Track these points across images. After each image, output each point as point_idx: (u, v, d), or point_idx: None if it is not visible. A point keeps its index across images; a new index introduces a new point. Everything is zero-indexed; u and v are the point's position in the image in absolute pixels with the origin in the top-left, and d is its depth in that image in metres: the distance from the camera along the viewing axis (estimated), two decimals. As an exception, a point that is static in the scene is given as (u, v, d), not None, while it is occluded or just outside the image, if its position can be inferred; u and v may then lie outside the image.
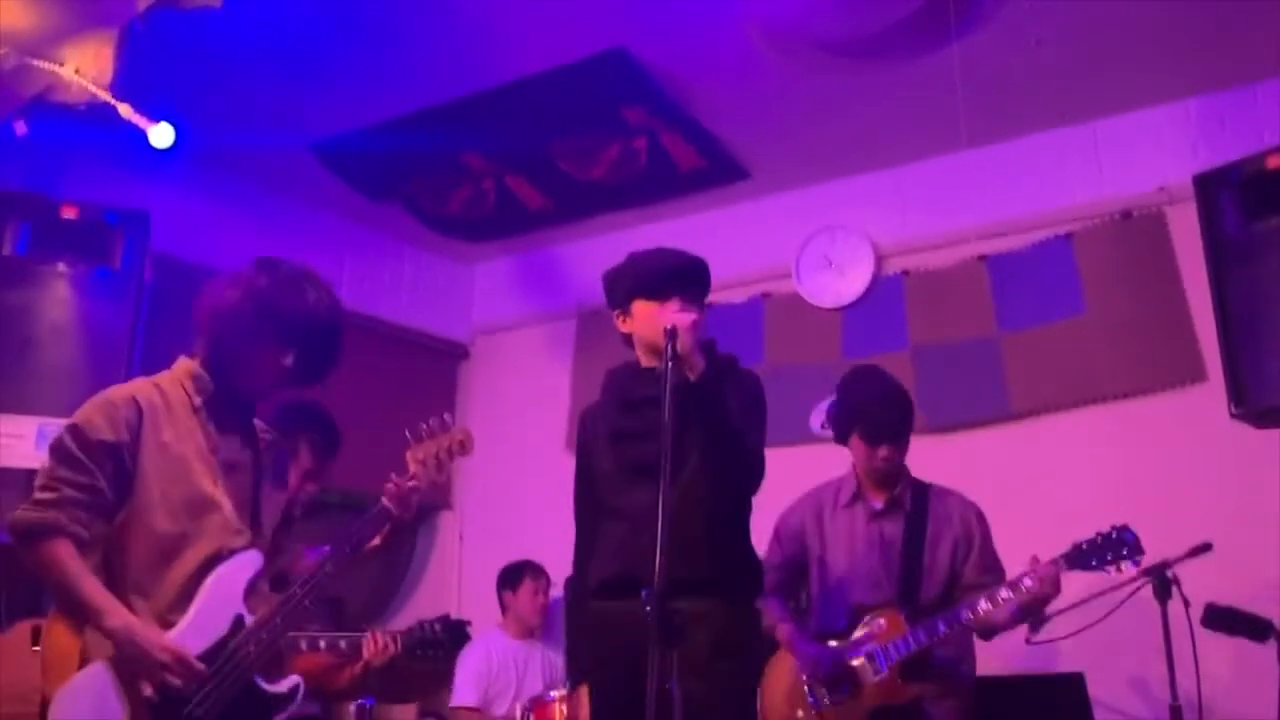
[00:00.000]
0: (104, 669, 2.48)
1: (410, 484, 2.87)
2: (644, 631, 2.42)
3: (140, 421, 2.62)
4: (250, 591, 2.68)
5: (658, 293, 3.06)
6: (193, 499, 2.64)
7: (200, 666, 2.50)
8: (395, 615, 6.28)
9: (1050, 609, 3.76)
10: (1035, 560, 3.59)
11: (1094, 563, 3.55)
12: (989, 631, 3.76)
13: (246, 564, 2.69)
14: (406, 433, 2.93)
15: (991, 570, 3.80)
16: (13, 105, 4.07)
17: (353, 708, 4.00)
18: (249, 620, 2.64)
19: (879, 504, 3.90)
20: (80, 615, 2.52)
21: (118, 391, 2.68)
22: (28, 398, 4.21)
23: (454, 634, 3.86)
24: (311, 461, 3.83)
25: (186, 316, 2.86)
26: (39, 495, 2.54)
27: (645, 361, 3.16)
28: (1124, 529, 3.56)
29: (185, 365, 2.79)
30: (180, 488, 2.63)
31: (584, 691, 3.19)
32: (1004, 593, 3.59)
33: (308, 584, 2.74)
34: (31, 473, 4.00)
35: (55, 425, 4.15)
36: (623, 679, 2.71)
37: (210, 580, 2.61)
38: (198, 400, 2.74)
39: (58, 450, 2.59)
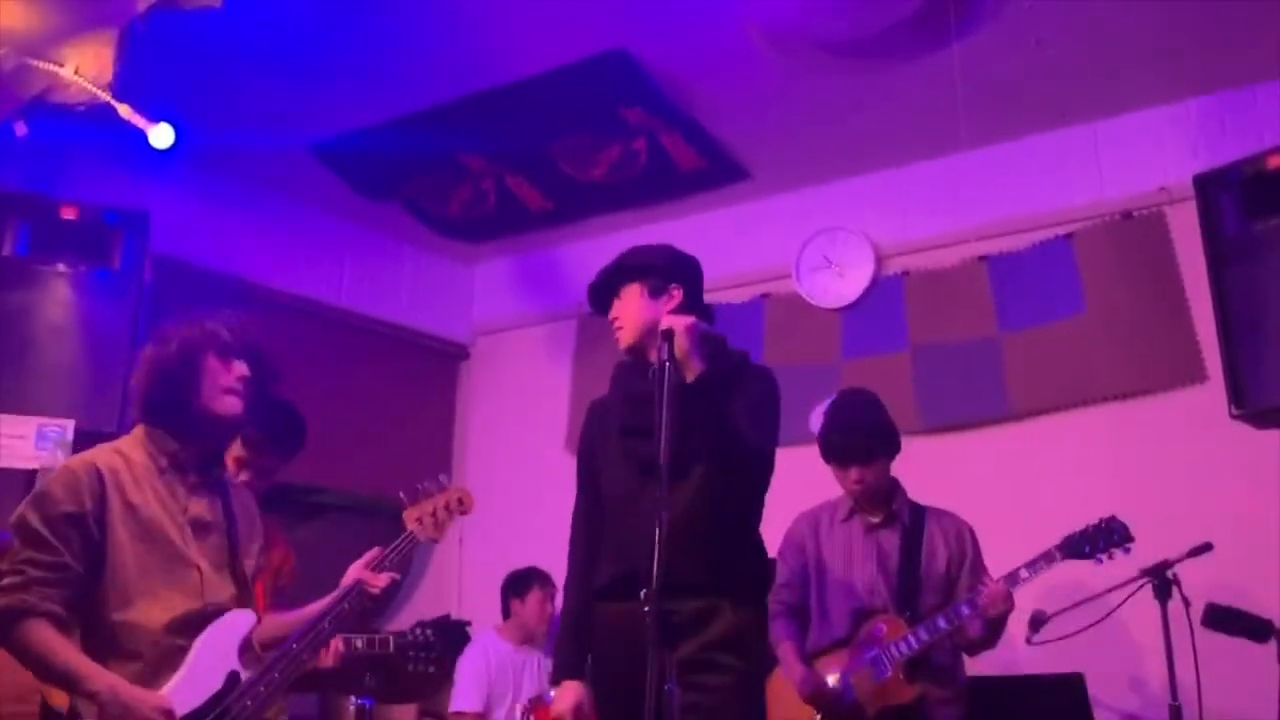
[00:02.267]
0: None
1: (384, 579, 2.86)
2: (644, 631, 2.41)
3: (104, 489, 2.58)
4: (245, 649, 2.65)
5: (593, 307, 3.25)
6: (168, 559, 2.62)
7: None
8: (395, 615, 6.28)
9: (1050, 609, 3.77)
10: (988, 578, 3.71)
11: (1087, 550, 3.65)
12: (970, 646, 3.83)
13: (239, 623, 2.67)
14: (401, 495, 2.98)
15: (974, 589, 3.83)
16: (13, 106, 4.07)
17: (352, 709, 4.00)
18: (244, 676, 2.61)
19: (876, 518, 3.95)
20: (64, 687, 2.50)
21: (77, 461, 2.64)
22: (27, 398, 4.21)
23: (452, 636, 3.86)
24: (243, 450, 3.76)
25: (187, 317, 2.84)
26: (6, 581, 2.49)
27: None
28: (1112, 518, 3.69)
29: (143, 431, 2.76)
30: (155, 549, 2.61)
31: (568, 686, 3.15)
32: (965, 609, 3.68)
33: (304, 639, 2.71)
34: (31, 474, 4.04)
35: (55, 425, 4.19)
36: (629, 680, 2.70)
37: (203, 637, 2.59)
38: (162, 461, 2.71)
39: (21, 530, 2.53)
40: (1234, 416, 3.90)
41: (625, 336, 3.13)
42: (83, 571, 2.53)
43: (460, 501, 3.03)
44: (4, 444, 4.12)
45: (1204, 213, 4.07)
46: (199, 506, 2.73)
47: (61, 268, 4.42)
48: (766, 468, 3.04)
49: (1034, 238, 5.23)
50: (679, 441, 2.64)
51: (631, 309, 3.11)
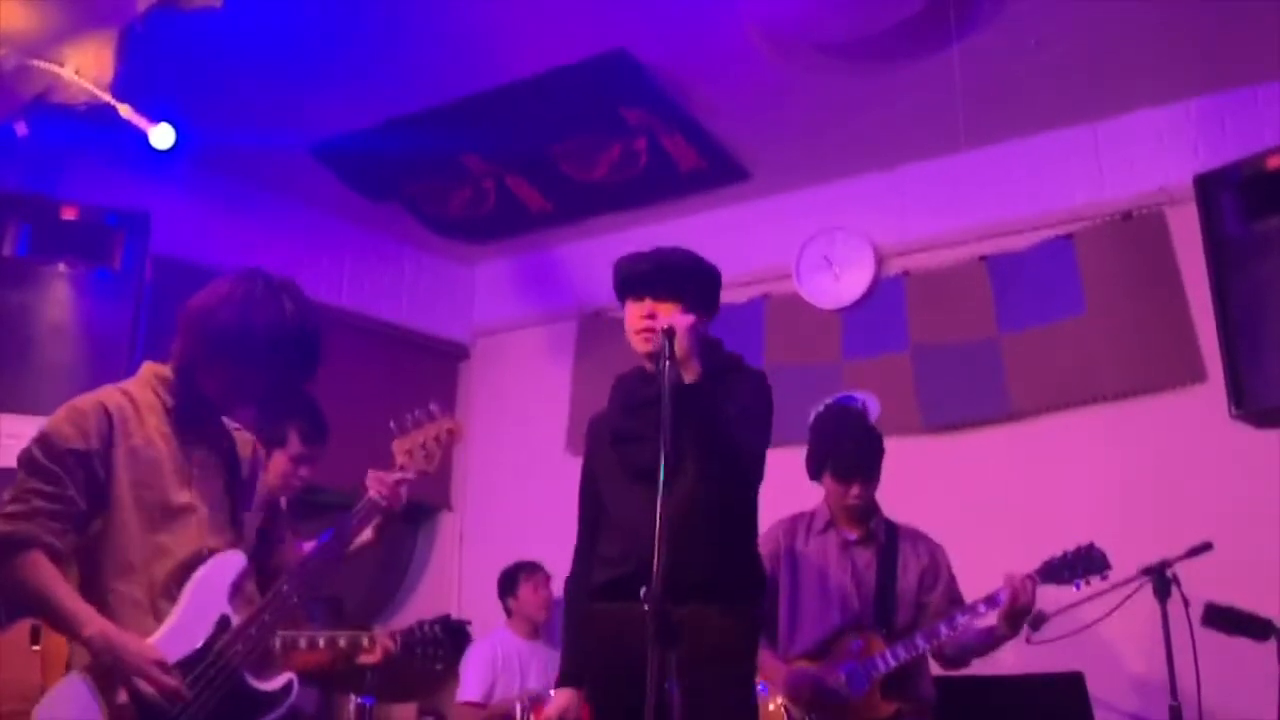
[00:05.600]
0: (80, 679, 2.45)
1: (397, 475, 2.83)
2: (644, 632, 2.41)
3: (110, 429, 2.57)
4: (235, 591, 2.64)
5: (629, 292, 3.10)
6: (167, 503, 2.61)
7: (177, 676, 2.46)
8: (395, 615, 6.29)
9: (1050, 609, 3.78)
10: (1010, 577, 3.68)
11: (1066, 576, 3.67)
12: (959, 657, 3.85)
13: (229, 564, 2.65)
14: (391, 423, 2.88)
15: (957, 603, 3.87)
16: (13, 106, 4.08)
17: (352, 708, 4.00)
18: (235, 620, 2.60)
19: (853, 535, 3.97)
20: (56, 626, 2.50)
21: (85, 400, 2.63)
22: (28, 398, 4.21)
23: (454, 635, 3.85)
24: (301, 447, 3.82)
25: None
26: (9, 508, 2.49)
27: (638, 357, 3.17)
28: (1090, 546, 3.68)
29: (153, 369, 2.75)
30: (154, 492, 2.60)
31: (561, 693, 3.20)
32: (981, 606, 3.68)
33: (295, 580, 2.70)
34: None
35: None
36: (625, 681, 2.69)
37: (192, 582, 2.58)
38: (169, 402, 2.70)
39: (27, 461, 2.54)
40: (1234, 416, 3.90)
41: (658, 342, 3.01)
42: (85, 508, 2.53)
43: (450, 432, 2.89)
44: (4, 444, 4.12)
45: (1204, 213, 4.07)
46: (201, 449, 2.73)
47: (62, 268, 4.43)
48: (757, 470, 3.02)
49: (1034, 238, 5.23)
50: (675, 443, 2.62)
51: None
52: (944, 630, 3.69)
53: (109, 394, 2.66)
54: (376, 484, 2.82)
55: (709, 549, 2.91)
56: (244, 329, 2.68)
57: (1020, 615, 3.65)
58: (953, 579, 3.95)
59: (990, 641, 3.78)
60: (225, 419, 2.85)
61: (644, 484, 2.81)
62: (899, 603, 3.86)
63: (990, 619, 3.71)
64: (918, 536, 4.02)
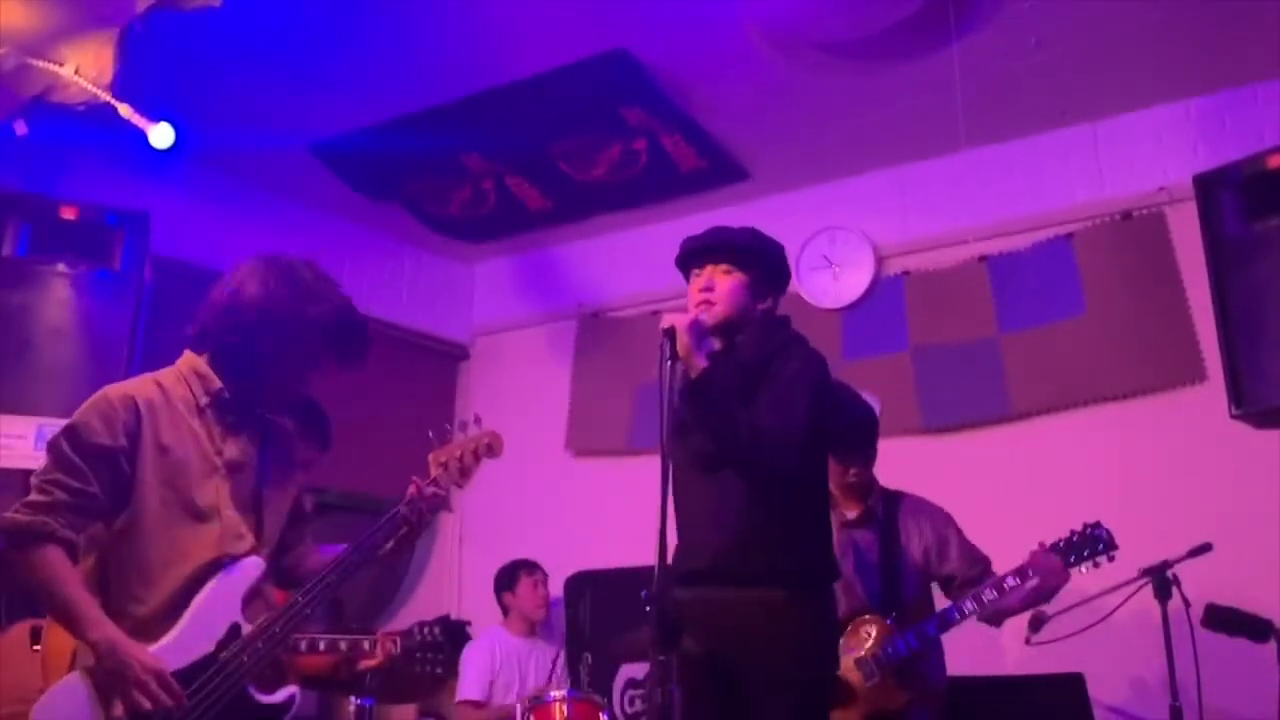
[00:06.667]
0: (81, 680, 2.44)
1: (430, 489, 2.79)
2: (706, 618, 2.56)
3: (139, 425, 2.55)
4: (250, 598, 2.61)
5: (689, 265, 3.15)
6: (193, 504, 2.58)
7: (178, 689, 2.44)
8: (395, 615, 6.28)
9: (1050, 609, 3.77)
10: (1041, 546, 3.67)
11: (1072, 559, 3.66)
12: (999, 617, 3.78)
13: (246, 570, 2.62)
14: (430, 434, 2.86)
15: (977, 561, 3.85)
16: (13, 105, 4.07)
17: (352, 708, 4.00)
18: (245, 629, 2.57)
19: (852, 514, 3.91)
20: (64, 624, 2.48)
21: (116, 391, 2.60)
22: (27, 398, 4.21)
23: (453, 636, 3.85)
24: (303, 450, 3.80)
25: (187, 317, 2.79)
26: (33, 498, 2.49)
27: None
28: (1096, 525, 3.68)
29: (191, 361, 2.71)
30: (180, 493, 2.57)
31: None
32: (1011, 580, 3.65)
33: (311, 592, 2.66)
34: (30, 474, 4.03)
35: (54, 426, 4.15)
36: (699, 664, 2.82)
37: (206, 589, 2.55)
38: (204, 399, 2.66)
39: (53, 452, 2.53)
40: (1234, 416, 3.89)
41: (717, 312, 3.06)
42: (108, 504, 2.52)
43: (490, 446, 2.86)
44: (4, 444, 4.12)
45: (1204, 213, 4.07)
46: (234, 448, 2.68)
47: (62, 268, 4.42)
48: (794, 457, 2.90)
49: (1034, 238, 5.23)
50: (702, 438, 2.83)
51: (731, 292, 3.08)
52: (954, 614, 3.66)
53: (141, 386, 2.63)
54: (412, 496, 2.78)
55: (750, 538, 2.90)
56: (291, 321, 2.65)
57: (1050, 592, 3.66)
58: (964, 541, 3.87)
59: (1026, 607, 3.71)
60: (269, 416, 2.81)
61: (695, 472, 2.97)
62: (905, 583, 3.80)
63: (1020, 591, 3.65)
64: (920, 509, 3.92)
